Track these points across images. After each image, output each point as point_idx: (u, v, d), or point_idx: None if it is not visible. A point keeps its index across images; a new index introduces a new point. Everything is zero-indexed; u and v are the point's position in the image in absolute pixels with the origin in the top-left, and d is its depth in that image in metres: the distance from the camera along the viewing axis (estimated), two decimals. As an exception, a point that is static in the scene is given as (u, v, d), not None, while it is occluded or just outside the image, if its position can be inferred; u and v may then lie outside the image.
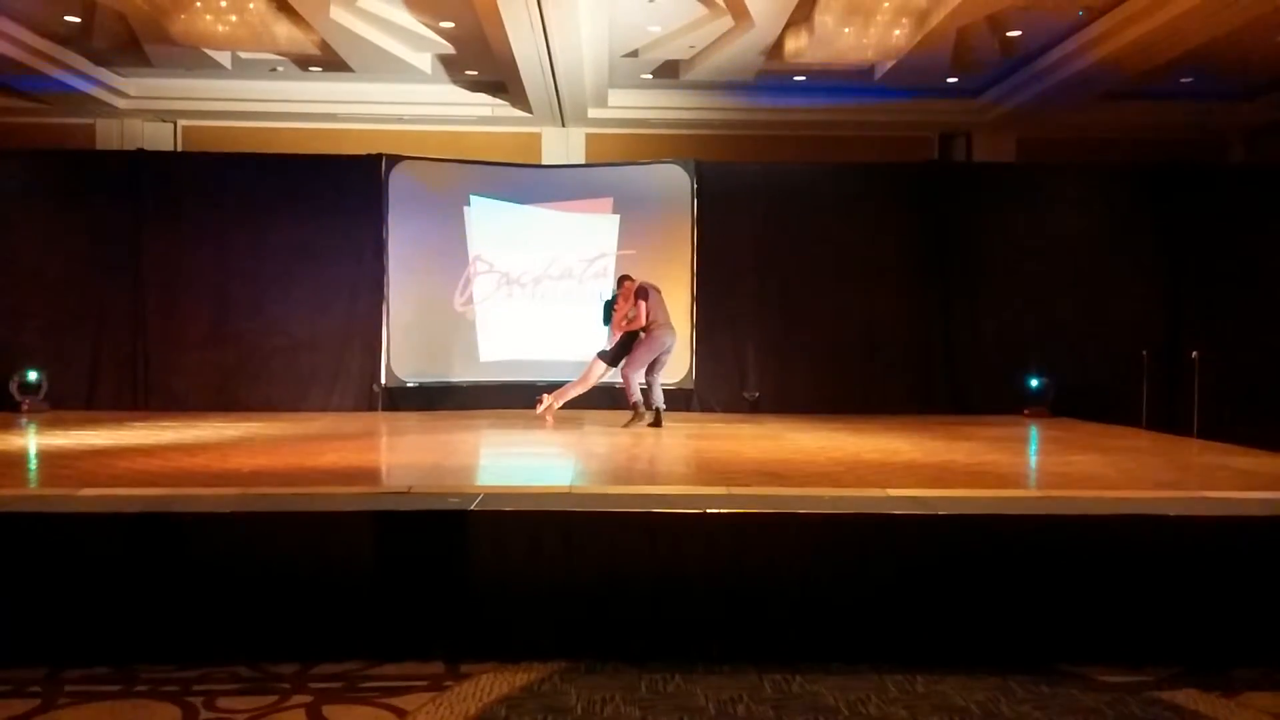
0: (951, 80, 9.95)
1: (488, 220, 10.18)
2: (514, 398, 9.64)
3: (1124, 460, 6.04)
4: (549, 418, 8.30)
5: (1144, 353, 8.48)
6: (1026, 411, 9.36)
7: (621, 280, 8.34)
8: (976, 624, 3.80)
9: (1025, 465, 6.09)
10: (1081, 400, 9.18)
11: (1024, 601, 3.82)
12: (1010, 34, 8.84)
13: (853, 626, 3.80)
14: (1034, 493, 4.92)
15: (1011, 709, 3.28)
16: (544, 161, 10.87)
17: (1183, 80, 9.69)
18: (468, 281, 10.17)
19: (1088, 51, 8.78)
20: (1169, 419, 8.18)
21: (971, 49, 9.12)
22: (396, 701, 3.31)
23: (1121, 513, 4.03)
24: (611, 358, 8.19)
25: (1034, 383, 9.49)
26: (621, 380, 8.17)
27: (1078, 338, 9.55)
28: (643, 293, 8.02)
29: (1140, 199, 9.85)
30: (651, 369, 8.11)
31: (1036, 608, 3.81)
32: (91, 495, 4.33)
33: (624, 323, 8.06)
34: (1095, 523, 3.96)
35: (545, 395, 8.41)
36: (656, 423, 7.95)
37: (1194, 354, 7.78)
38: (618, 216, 10.17)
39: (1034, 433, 7.94)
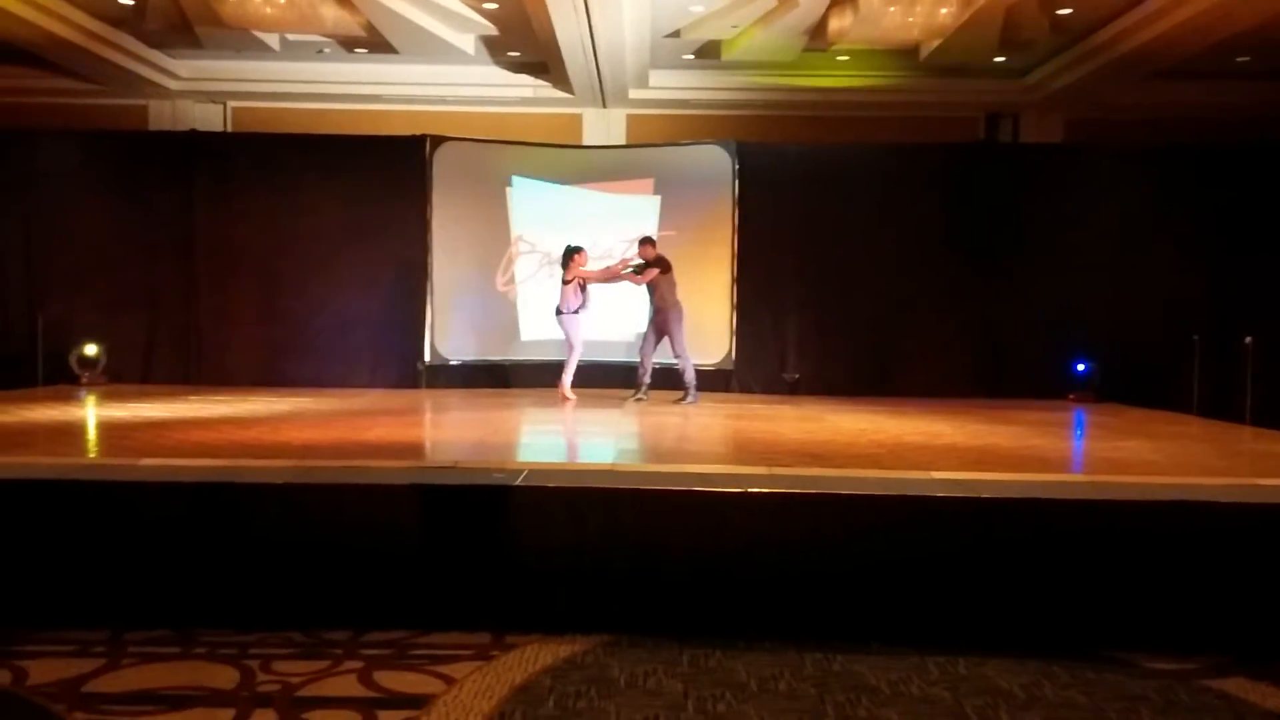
0: (999, 60, 9.78)
1: (529, 201, 10.25)
2: (554, 376, 9.70)
3: (1172, 446, 5.95)
4: (569, 395, 8.43)
5: (1195, 337, 8.31)
6: (1072, 396, 9.25)
7: (645, 240, 8.51)
8: (1020, 608, 3.80)
9: (1070, 450, 6.02)
10: (1129, 385, 9.04)
11: (1069, 586, 3.80)
12: (1061, 12, 8.67)
13: (894, 608, 3.82)
14: (1079, 477, 4.87)
15: (1055, 693, 3.27)
16: (585, 142, 10.88)
17: (1239, 59, 9.43)
18: (509, 261, 10.26)
19: (1140, 30, 8.57)
20: (1221, 406, 8.02)
21: (1020, 27, 8.95)
22: (445, 669, 3.40)
23: (1170, 499, 3.98)
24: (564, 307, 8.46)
25: (1080, 367, 9.35)
26: (679, 364, 8.40)
27: (1126, 322, 9.36)
28: (665, 264, 8.22)
29: (1191, 180, 9.58)
30: (655, 343, 8.42)
31: (1081, 593, 3.79)
32: (152, 465, 4.47)
33: (626, 272, 8.43)
34: (1142, 509, 3.91)
35: (558, 386, 8.57)
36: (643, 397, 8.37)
37: (1247, 339, 7.61)
38: (659, 197, 10.17)
39: (1080, 418, 7.85)
